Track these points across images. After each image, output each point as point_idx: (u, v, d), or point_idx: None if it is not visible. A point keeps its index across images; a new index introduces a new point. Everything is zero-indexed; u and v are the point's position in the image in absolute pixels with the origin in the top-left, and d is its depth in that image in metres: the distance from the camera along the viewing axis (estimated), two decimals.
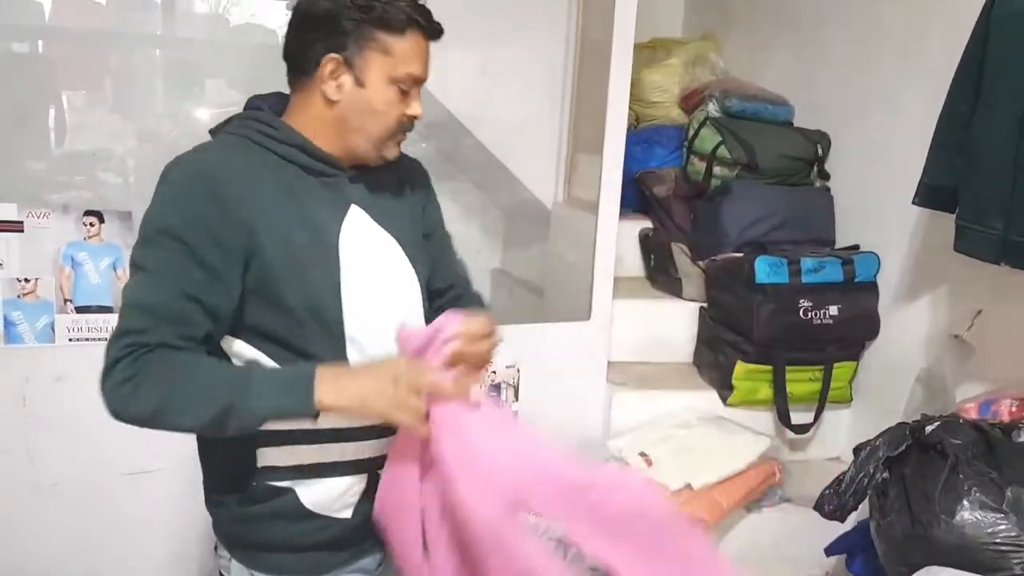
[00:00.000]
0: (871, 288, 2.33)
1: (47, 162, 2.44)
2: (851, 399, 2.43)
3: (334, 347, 1.12)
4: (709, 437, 2.16)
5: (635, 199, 2.83)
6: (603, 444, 2.13)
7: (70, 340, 1.74)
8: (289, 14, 1.15)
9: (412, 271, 1.23)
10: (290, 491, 1.13)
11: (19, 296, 1.67)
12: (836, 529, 1.90)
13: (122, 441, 1.82)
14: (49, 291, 1.69)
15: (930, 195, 1.84)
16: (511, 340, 2.15)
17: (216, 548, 1.27)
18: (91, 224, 1.70)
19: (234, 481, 1.15)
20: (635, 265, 2.80)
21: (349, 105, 1.12)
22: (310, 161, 1.14)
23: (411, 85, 1.14)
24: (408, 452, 1.09)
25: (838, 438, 2.47)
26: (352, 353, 1.13)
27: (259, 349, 1.11)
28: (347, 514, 1.16)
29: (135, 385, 0.99)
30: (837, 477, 1.51)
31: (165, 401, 1.00)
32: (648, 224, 2.82)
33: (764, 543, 2.13)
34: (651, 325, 2.52)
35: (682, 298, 2.55)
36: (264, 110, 1.16)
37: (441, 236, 1.38)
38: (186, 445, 1.79)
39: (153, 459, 1.87)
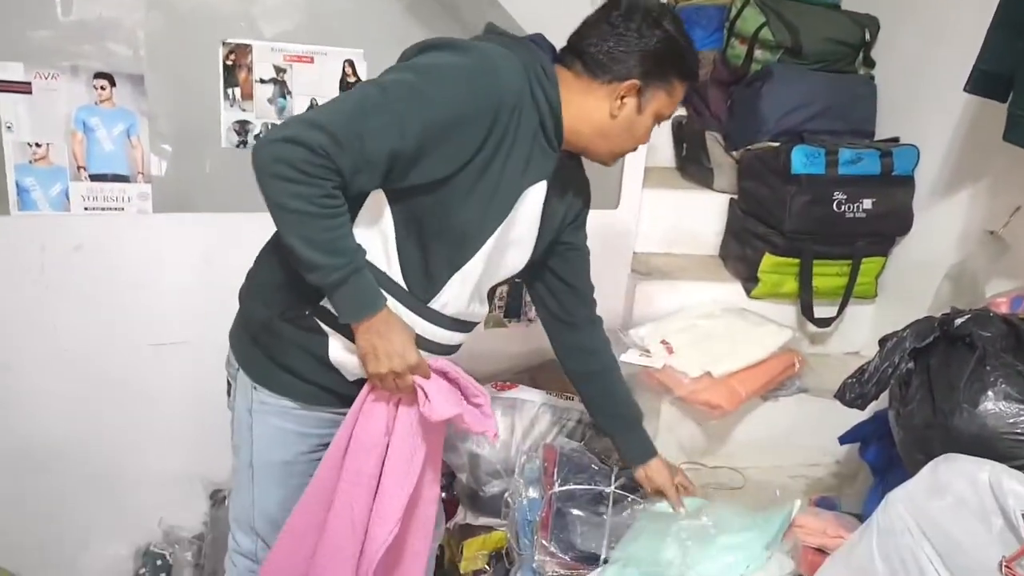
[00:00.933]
0: (908, 182, 2.25)
1: (54, 30, 2.36)
2: (875, 295, 2.40)
3: (448, 266, 1.25)
4: (731, 327, 2.15)
5: None
6: (625, 332, 2.12)
7: (85, 209, 1.72)
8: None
9: (529, 255, 1.36)
10: (326, 337, 1.27)
11: (31, 161, 1.63)
12: (848, 421, 1.91)
13: (146, 313, 1.85)
14: (61, 157, 1.65)
15: (983, 82, 1.73)
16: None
17: (229, 358, 1.40)
18: (102, 88, 1.65)
19: (291, 299, 1.26)
20: (667, 155, 2.72)
21: (620, 123, 1.25)
22: (550, 127, 1.22)
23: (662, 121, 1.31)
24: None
25: (859, 333, 2.45)
26: (454, 281, 1.26)
27: (396, 223, 1.20)
28: (354, 377, 1.31)
29: (288, 182, 1.07)
30: (861, 367, 1.49)
31: (295, 218, 1.10)
32: (682, 112, 2.71)
33: (778, 431, 2.15)
34: (679, 216, 2.47)
35: (712, 189, 2.48)
36: (550, 66, 1.23)
37: (585, 248, 1.53)
38: (211, 318, 1.82)
39: (178, 330, 1.89)
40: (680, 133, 2.69)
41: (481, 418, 1.31)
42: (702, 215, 2.49)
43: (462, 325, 1.36)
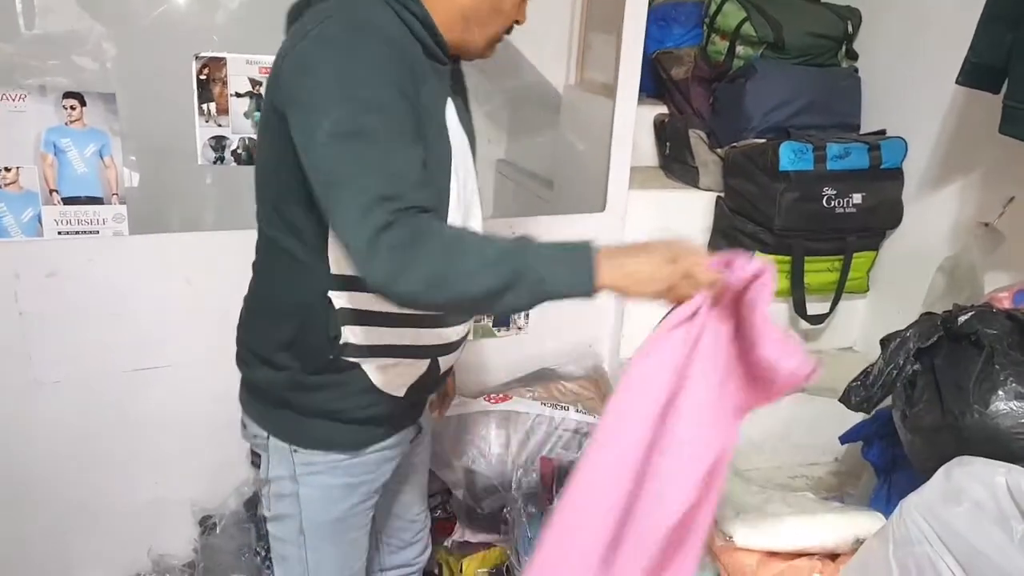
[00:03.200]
0: (897, 175, 2.24)
1: (16, 45, 2.28)
2: (868, 289, 2.39)
3: None
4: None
5: (650, 82, 2.68)
6: (615, 335, 2.09)
7: (59, 233, 1.65)
8: None
9: (474, 173, 1.25)
10: (358, 366, 1.17)
11: (1, 186, 1.57)
12: (847, 418, 1.89)
13: (126, 337, 1.78)
14: (32, 181, 1.59)
15: (975, 74, 1.71)
16: (523, 233, 2.10)
17: (245, 427, 1.29)
18: (72, 107, 1.58)
19: (308, 351, 1.16)
20: (649, 153, 2.68)
21: (484, 1, 1.11)
22: (433, 46, 1.11)
23: None
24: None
25: (852, 328, 2.44)
26: None
27: None
28: (401, 392, 1.21)
29: (414, 249, 0.91)
30: (865, 369, 1.47)
31: (449, 266, 0.93)
32: (663, 109, 2.68)
33: (776, 431, 2.13)
34: (665, 216, 2.43)
35: (698, 188, 2.45)
36: None
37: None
38: (195, 340, 1.76)
39: (157, 356, 1.83)
40: (662, 131, 2.66)
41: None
42: (688, 214, 2.46)
43: None
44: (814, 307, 2.29)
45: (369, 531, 1.36)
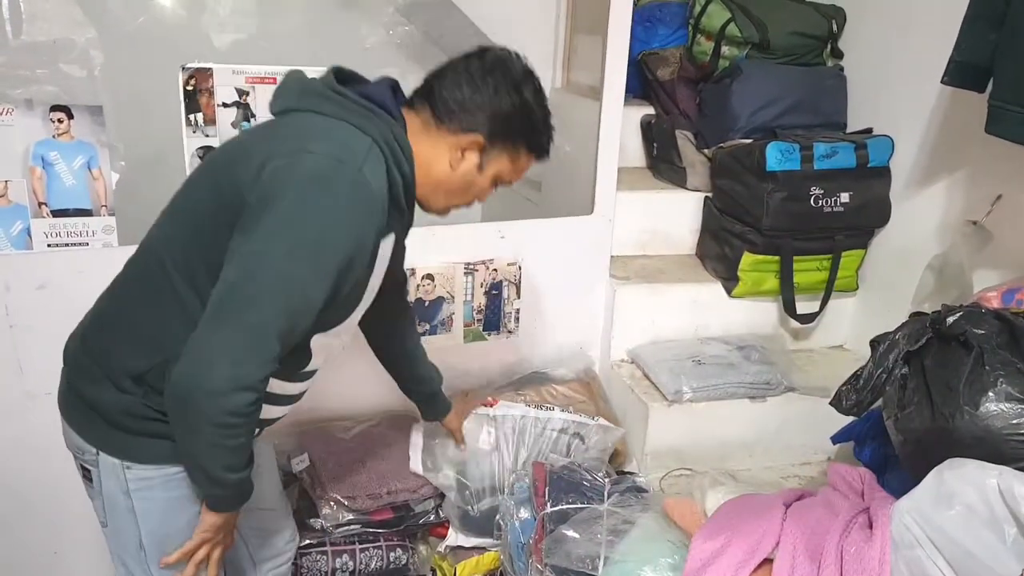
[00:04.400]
0: (884, 174, 2.25)
1: (3, 54, 2.25)
2: (857, 288, 2.40)
3: (323, 333, 1.22)
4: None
5: (636, 83, 2.68)
6: (606, 337, 2.09)
7: (48, 246, 1.64)
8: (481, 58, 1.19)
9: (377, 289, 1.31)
10: None
11: None
12: (839, 418, 1.90)
13: None
14: (21, 194, 1.57)
15: (960, 74, 1.72)
16: (512, 237, 2.11)
17: (74, 442, 1.26)
18: (59, 120, 1.57)
19: (161, 385, 1.14)
20: (636, 154, 2.69)
21: (458, 177, 1.21)
22: (406, 199, 1.20)
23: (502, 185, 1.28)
24: None
25: (842, 327, 2.45)
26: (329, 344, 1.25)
27: None
28: None
29: (236, 430, 1.09)
30: (855, 372, 1.48)
31: (226, 453, 1.12)
32: (650, 110, 2.69)
33: (768, 431, 2.14)
34: (653, 217, 2.44)
35: (686, 188, 2.46)
36: (399, 121, 1.18)
37: (404, 245, 1.45)
38: None
39: None
40: (649, 132, 2.66)
41: None
42: (676, 215, 2.47)
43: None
44: (804, 306, 2.30)
45: None
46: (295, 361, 1.22)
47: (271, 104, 1.21)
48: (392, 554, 1.76)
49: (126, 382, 1.18)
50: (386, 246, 1.22)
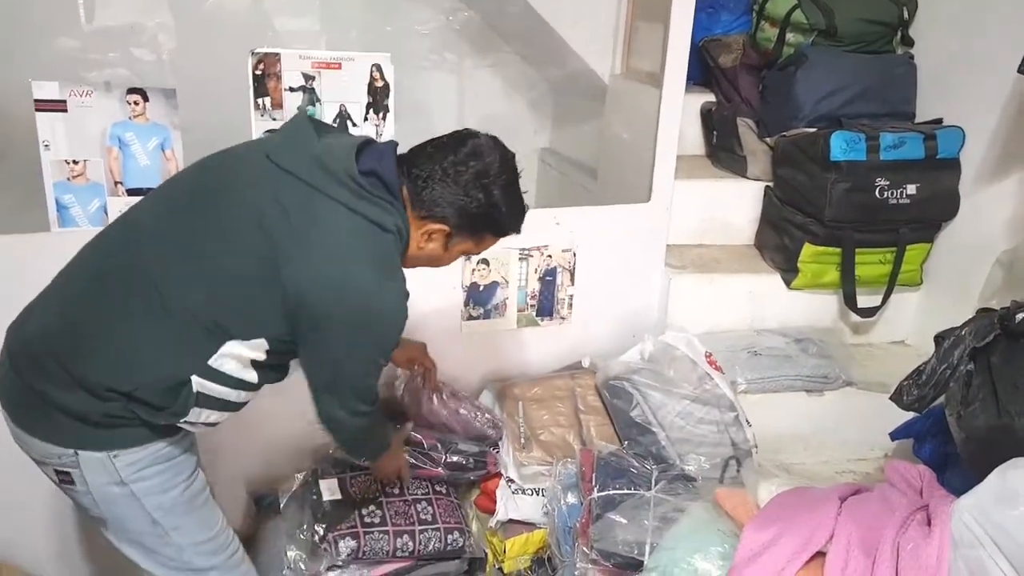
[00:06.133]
0: (953, 165, 2.19)
1: (79, 40, 2.35)
2: (921, 282, 2.34)
3: None
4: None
5: (697, 70, 2.64)
6: (663, 328, 2.08)
7: None
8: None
9: None
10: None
11: (68, 179, 1.63)
12: (898, 414, 1.86)
13: None
14: (98, 173, 1.64)
15: None
16: (566, 223, 2.11)
17: (44, 452, 1.24)
18: (135, 103, 1.63)
19: (145, 403, 1.21)
20: (695, 142, 2.66)
21: (424, 254, 1.32)
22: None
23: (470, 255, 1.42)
24: None
25: (904, 321, 2.40)
26: None
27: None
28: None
29: (365, 440, 1.51)
30: (917, 368, 1.45)
31: (362, 443, 1.53)
32: (711, 98, 2.65)
33: (824, 425, 2.11)
34: (711, 206, 2.42)
35: (746, 177, 2.43)
36: (405, 218, 1.27)
37: None
38: None
39: None
40: (709, 120, 2.63)
41: None
42: (735, 204, 2.44)
43: None
44: (865, 300, 2.25)
45: (211, 492, 1.41)
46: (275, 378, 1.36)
47: (275, 151, 1.22)
48: (450, 536, 1.80)
49: (108, 395, 1.20)
50: None
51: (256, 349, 1.23)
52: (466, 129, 1.30)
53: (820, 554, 1.32)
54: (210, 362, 1.21)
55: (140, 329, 1.19)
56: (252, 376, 1.27)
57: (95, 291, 1.22)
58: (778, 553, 1.31)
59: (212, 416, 1.28)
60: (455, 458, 1.89)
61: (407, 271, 1.28)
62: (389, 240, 1.22)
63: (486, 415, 1.97)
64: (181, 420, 1.24)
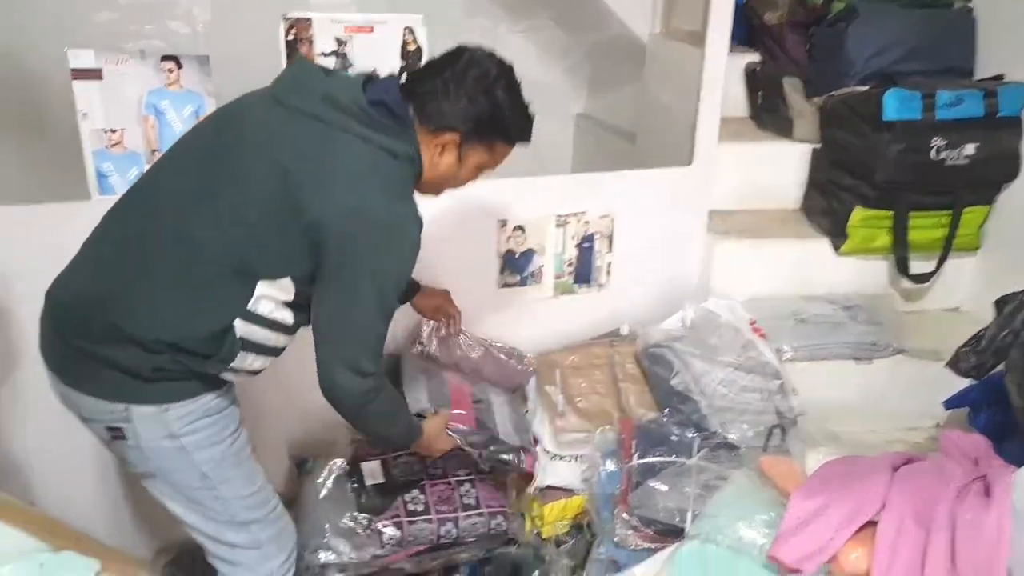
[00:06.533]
0: (1014, 124, 2.08)
1: (115, 11, 2.36)
2: (978, 246, 2.24)
3: None
4: None
5: (740, 28, 2.54)
6: (704, 295, 2.03)
7: None
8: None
9: None
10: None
11: (107, 147, 1.64)
12: (951, 383, 1.79)
13: None
14: (136, 141, 1.64)
15: None
16: (605, 188, 2.06)
17: (93, 409, 1.27)
18: (170, 70, 1.62)
19: (191, 352, 1.25)
20: (739, 104, 2.57)
21: (441, 172, 1.33)
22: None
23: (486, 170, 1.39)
24: None
25: (959, 288, 2.30)
26: None
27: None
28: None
29: (370, 403, 1.34)
30: (976, 334, 1.38)
31: (375, 417, 1.39)
32: (754, 58, 2.55)
33: (873, 394, 2.04)
34: (756, 170, 2.34)
35: (792, 139, 2.34)
36: (416, 144, 1.29)
37: None
38: None
39: None
40: (754, 80, 2.54)
41: None
42: (781, 167, 2.36)
43: None
44: (918, 265, 2.16)
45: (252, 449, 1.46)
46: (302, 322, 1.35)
47: (283, 94, 1.27)
48: (493, 521, 1.79)
49: (157, 347, 1.23)
50: None
51: (285, 291, 1.26)
52: (460, 45, 1.32)
53: (871, 524, 1.28)
54: (249, 306, 1.24)
55: (177, 284, 1.23)
56: (288, 317, 1.29)
57: (126, 254, 1.26)
58: (826, 522, 1.27)
59: (256, 362, 1.31)
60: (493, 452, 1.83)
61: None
62: (400, 166, 1.26)
63: (517, 357, 1.96)
64: (229, 366, 1.27)
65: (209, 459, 1.34)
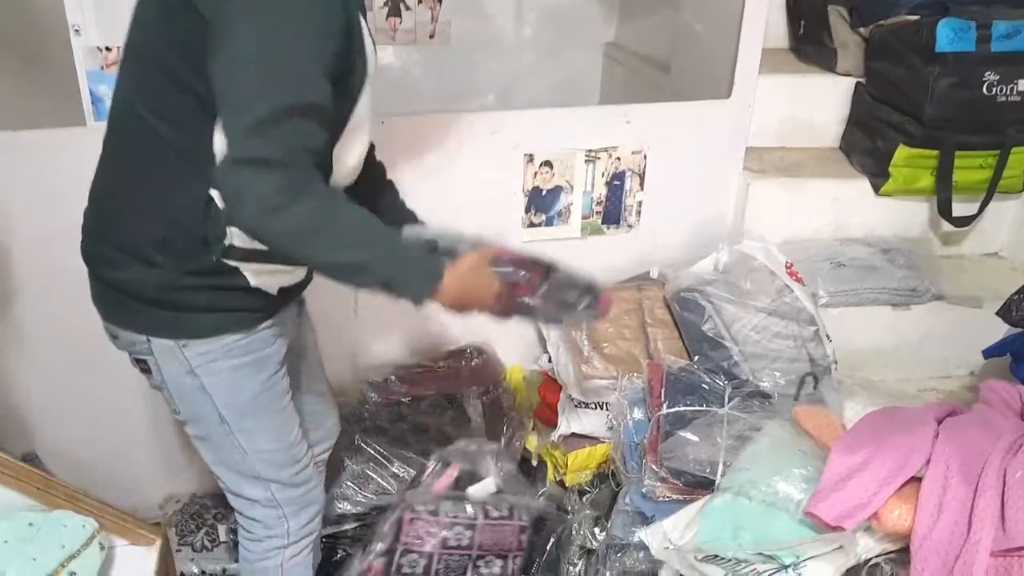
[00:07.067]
0: None
1: None
2: (1022, 189, 2.13)
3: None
4: None
5: None
6: (739, 237, 1.96)
7: None
8: None
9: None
10: (237, 270, 1.17)
11: (102, 67, 1.52)
12: (988, 331, 1.73)
13: None
14: None
15: None
16: (637, 121, 1.96)
17: (116, 337, 1.24)
18: None
19: (186, 251, 1.14)
20: (778, 34, 2.43)
21: None
22: None
23: None
24: None
25: (1000, 232, 2.22)
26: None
27: None
28: (274, 292, 1.24)
29: (288, 199, 0.98)
30: None
31: (312, 231, 1.02)
32: None
33: (907, 341, 1.99)
34: (795, 105, 2.22)
35: (835, 72, 2.21)
36: None
37: None
38: None
39: None
40: (796, 8, 2.39)
41: None
42: (822, 102, 2.24)
43: None
44: (960, 207, 2.07)
45: (291, 397, 1.36)
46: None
47: None
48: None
49: (153, 255, 1.15)
50: (364, 27, 1.13)
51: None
52: None
53: (914, 480, 1.23)
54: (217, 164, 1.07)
55: (146, 175, 1.15)
56: None
57: (105, 166, 1.21)
58: (868, 478, 1.22)
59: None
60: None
61: None
62: None
63: None
64: (224, 243, 1.13)
65: (229, 404, 1.26)
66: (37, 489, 1.30)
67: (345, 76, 1.07)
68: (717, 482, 1.49)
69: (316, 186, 1.02)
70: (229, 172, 0.98)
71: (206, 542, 1.90)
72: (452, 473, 1.63)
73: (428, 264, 1.10)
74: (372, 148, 1.39)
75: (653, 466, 1.57)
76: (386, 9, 1.86)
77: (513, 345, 2.12)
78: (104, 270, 1.21)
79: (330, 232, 1.02)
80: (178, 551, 1.86)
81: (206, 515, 1.95)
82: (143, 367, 1.25)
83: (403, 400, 2.01)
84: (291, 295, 1.31)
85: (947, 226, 2.11)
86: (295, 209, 0.98)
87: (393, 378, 2.00)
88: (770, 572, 1.25)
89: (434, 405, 2.05)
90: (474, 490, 1.64)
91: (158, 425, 1.92)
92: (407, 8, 1.69)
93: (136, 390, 1.76)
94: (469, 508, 1.61)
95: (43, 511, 1.26)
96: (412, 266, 1.09)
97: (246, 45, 0.97)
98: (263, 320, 1.25)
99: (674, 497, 1.56)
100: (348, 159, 1.18)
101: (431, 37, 2.33)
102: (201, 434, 1.32)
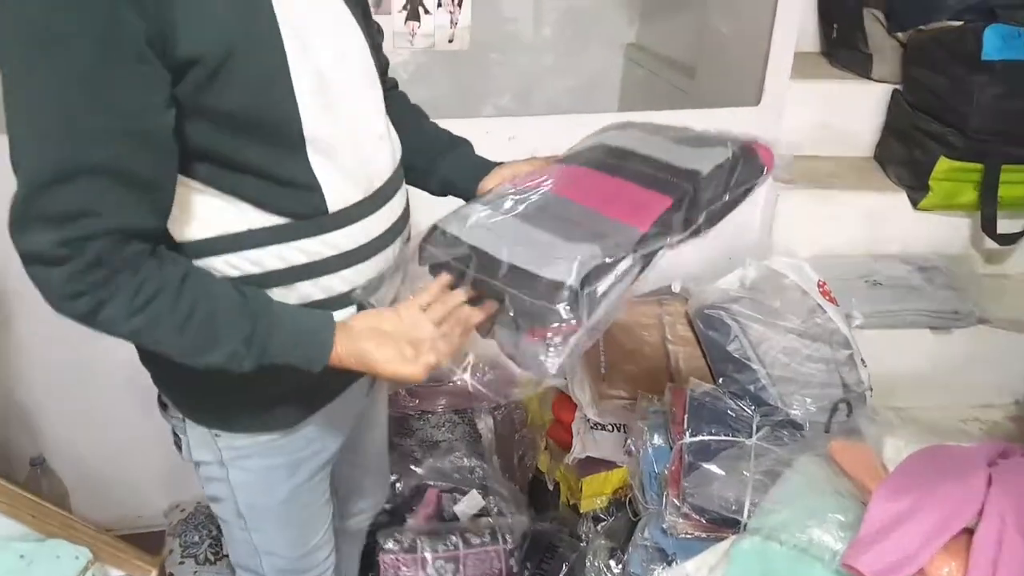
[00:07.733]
0: None
1: None
2: None
3: (294, 158, 0.88)
4: None
5: None
6: (766, 251, 1.84)
7: None
8: None
9: (363, 42, 0.96)
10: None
11: None
12: None
13: None
14: None
15: None
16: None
17: (162, 401, 1.11)
18: None
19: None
20: (810, 38, 2.32)
21: None
22: None
23: None
24: None
25: None
26: (319, 162, 0.90)
27: (211, 184, 0.87)
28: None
29: (102, 305, 0.80)
30: None
31: (150, 331, 0.82)
32: None
33: (947, 367, 1.87)
34: (828, 112, 2.11)
35: (870, 79, 2.10)
36: None
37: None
38: None
39: None
40: (829, 11, 2.28)
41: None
42: (856, 110, 2.13)
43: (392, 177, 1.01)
44: (1005, 224, 1.94)
45: (327, 499, 1.22)
46: (288, 196, 0.89)
47: None
48: None
49: None
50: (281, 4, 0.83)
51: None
52: None
53: (965, 532, 1.12)
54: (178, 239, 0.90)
55: None
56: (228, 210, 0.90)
57: None
58: (915, 529, 1.11)
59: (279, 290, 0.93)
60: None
61: None
62: None
63: None
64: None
65: (251, 504, 1.13)
66: (31, 517, 1.25)
67: (250, 79, 0.81)
68: (744, 521, 1.38)
69: (121, 280, 0.79)
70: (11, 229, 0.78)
71: (209, 555, 1.87)
72: (431, 499, 1.53)
73: (308, 329, 0.90)
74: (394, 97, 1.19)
75: (675, 500, 1.46)
76: (404, 13, 1.80)
77: None
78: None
79: (168, 337, 0.83)
80: (181, 563, 1.83)
81: (211, 526, 1.91)
82: (176, 441, 1.13)
83: (412, 414, 1.97)
84: (340, 385, 1.10)
85: (990, 243, 1.99)
86: (108, 313, 0.80)
87: (402, 391, 1.96)
88: None
89: (444, 420, 2.00)
90: (460, 509, 1.55)
91: (165, 433, 1.85)
92: (426, 12, 1.61)
93: (143, 397, 1.71)
94: (453, 538, 1.52)
95: (36, 540, 1.19)
96: (287, 347, 0.89)
97: None
98: (311, 412, 1.08)
99: (697, 534, 1.45)
100: (348, 159, 0.94)
101: (450, 42, 2.26)
102: (223, 517, 1.19)
